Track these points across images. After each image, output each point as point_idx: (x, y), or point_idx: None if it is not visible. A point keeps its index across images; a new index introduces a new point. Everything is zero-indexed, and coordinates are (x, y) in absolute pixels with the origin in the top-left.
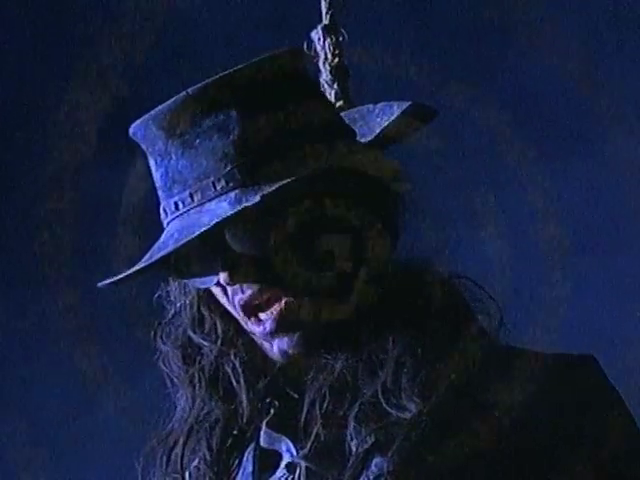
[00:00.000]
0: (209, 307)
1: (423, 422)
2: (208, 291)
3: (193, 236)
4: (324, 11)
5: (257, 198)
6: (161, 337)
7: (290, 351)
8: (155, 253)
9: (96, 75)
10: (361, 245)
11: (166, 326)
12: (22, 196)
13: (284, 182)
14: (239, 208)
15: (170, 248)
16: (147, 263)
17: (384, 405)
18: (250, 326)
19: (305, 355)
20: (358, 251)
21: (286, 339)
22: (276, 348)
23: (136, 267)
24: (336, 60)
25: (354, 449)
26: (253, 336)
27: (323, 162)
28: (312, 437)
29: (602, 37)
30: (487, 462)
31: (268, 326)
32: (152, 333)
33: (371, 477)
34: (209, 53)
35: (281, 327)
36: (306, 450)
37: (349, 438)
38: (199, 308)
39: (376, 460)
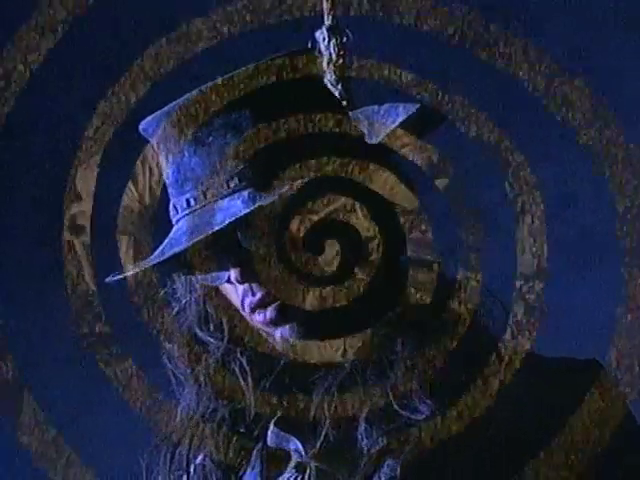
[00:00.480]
0: (215, 305)
1: (435, 424)
2: (215, 288)
3: (207, 233)
4: (326, 12)
5: (272, 197)
6: (165, 334)
7: (291, 339)
8: (167, 249)
9: (97, 74)
10: (368, 247)
11: (170, 323)
12: (24, 196)
13: (298, 182)
14: (253, 207)
15: (184, 245)
16: (159, 259)
17: (395, 406)
18: (253, 317)
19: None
20: (364, 253)
21: (287, 327)
22: (278, 336)
23: (146, 263)
24: (340, 61)
25: (365, 450)
26: (259, 330)
27: (331, 167)
28: (321, 437)
29: (602, 37)
30: (499, 465)
31: (269, 314)
32: (156, 330)
33: (383, 478)
34: (212, 52)
35: (282, 315)
36: (316, 450)
37: (360, 438)
38: (205, 305)
39: (389, 462)
